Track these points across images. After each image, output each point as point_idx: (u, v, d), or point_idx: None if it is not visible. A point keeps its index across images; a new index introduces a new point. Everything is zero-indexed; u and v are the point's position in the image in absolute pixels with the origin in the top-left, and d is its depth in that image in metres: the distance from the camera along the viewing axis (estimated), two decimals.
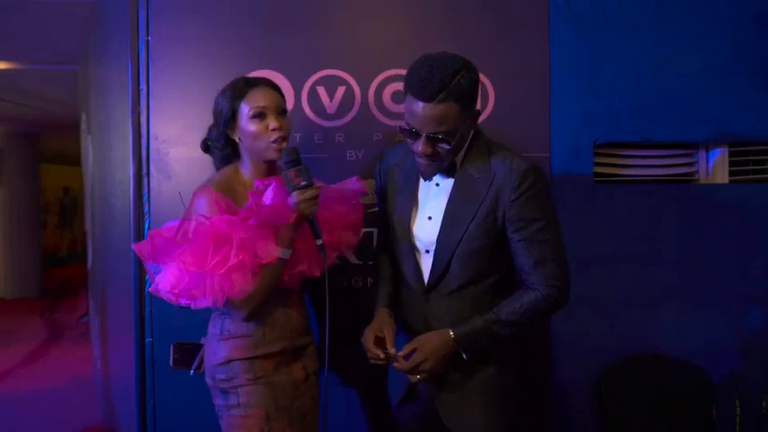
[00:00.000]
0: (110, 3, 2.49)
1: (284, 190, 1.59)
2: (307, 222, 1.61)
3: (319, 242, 1.61)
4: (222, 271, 1.51)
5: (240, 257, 1.52)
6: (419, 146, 1.51)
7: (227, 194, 1.62)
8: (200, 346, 1.79)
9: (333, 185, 1.81)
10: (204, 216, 1.55)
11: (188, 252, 1.52)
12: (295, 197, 1.57)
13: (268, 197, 1.59)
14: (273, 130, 1.62)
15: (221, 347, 1.65)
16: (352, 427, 2.08)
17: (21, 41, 4.25)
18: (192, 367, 1.84)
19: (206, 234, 1.53)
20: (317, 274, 1.72)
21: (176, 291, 1.53)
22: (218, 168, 1.76)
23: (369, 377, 1.95)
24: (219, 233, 1.53)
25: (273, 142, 1.62)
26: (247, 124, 1.63)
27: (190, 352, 1.86)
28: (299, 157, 1.59)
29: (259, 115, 1.62)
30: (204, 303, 1.55)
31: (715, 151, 2.20)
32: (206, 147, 1.77)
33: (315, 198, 1.58)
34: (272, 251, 1.58)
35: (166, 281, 1.54)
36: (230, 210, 1.58)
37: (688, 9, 2.13)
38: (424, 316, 1.65)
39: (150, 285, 1.60)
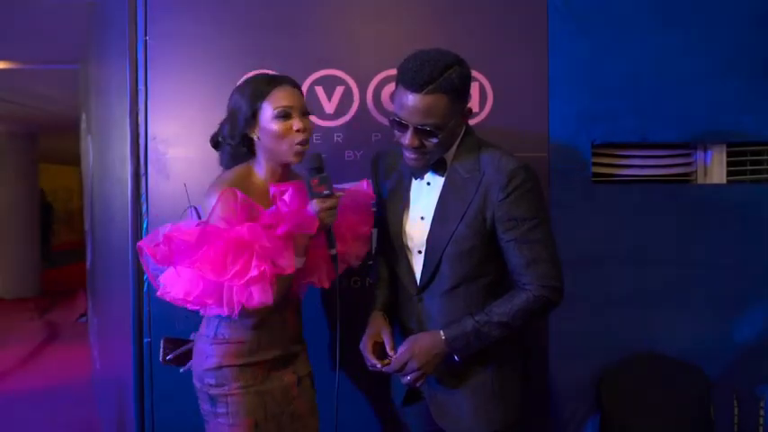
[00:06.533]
0: (109, 2, 2.49)
1: (300, 196, 1.54)
2: (323, 232, 1.57)
3: (333, 252, 1.57)
4: (242, 282, 1.44)
5: (262, 268, 1.45)
6: (407, 138, 1.50)
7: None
8: (192, 342, 1.73)
9: (346, 188, 1.76)
10: (224, 221, 1.47)
11: (206, 258, 1.44)
12: (315, 206, 1.52)
13: (284, 204, 1.53)
14: (298, 130, 1.56)
15: (213, 351, 1.59)
16: (356, 427, 2.08)
17: (21, 41, 4.25)
18: (186, 365, 1.76)
19: (225, 240, 1.45)
20: (327, 285, 1.71)
21: (190, 298, 1.47)
22: (226, 167, 1.67)
23: (371, 376, 1.94)
24: (240, 240, 1.45)
25: (298, 144, 1.56)
26: (270, 124, 1.56)
27: (181, 348, 1.80)
28: (322, 165, 1.55)
29: (284, 115, 1.55)
30: (216, 312, 1.50)
31: (713, 151, 2.20)
32: (215, 143, 1.69)
33: (335, 208, 1.54)
34: (292, 262, 1.51)
35: (179, 287, 1.48)
36: (252, 214, 1.50)
37: (687, 9, 2.13)
38: (417, 317, 1.64)
39: (156, 288, 1.53)
